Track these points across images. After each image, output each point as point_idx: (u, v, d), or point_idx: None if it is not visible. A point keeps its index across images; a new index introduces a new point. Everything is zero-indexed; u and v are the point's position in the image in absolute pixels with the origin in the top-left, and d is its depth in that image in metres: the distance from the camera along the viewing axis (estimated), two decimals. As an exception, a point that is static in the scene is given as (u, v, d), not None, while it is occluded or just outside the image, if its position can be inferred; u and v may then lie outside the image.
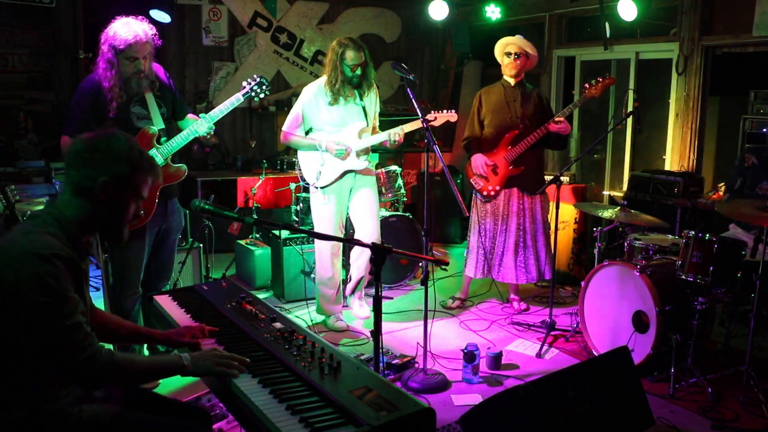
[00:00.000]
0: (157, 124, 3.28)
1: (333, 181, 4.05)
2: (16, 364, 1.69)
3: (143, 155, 1.91)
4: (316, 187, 4.07)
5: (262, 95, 3.50)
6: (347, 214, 4.26)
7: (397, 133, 3.97)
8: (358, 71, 3.93)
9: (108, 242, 1.95)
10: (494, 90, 4.51)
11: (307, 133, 4.10)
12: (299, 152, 4.16)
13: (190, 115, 3.56)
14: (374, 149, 7.00)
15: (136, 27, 3.10)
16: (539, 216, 4.49)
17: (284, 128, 4.12)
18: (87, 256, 1.91)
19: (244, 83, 3.49)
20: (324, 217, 4.12)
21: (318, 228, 4.13)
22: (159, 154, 3.23)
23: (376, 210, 4.25)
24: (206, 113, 3.38)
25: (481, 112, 4.51)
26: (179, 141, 3.32)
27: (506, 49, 4.41)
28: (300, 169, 4.19)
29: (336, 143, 3.95)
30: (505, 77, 4.49)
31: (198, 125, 3.33)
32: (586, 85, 4.25)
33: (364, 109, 4.05)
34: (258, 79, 3.47)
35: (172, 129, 3.43)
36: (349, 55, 3.90)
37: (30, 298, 1.62)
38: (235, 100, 3.41)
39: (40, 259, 1.64)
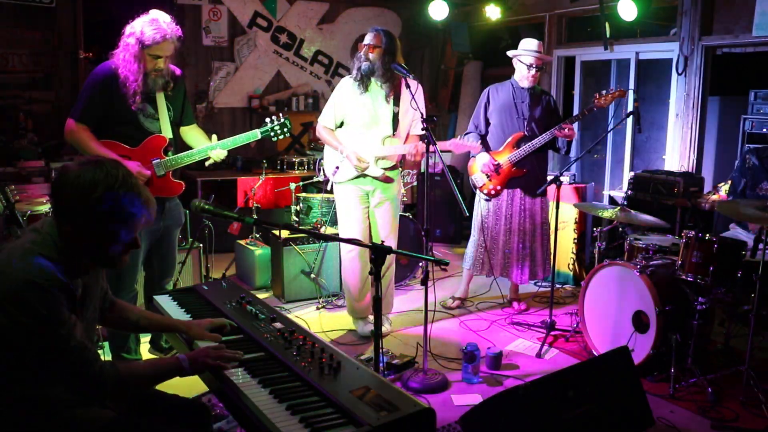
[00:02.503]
0: (166, 131, 3.28)
1: (348, 179, 3.96)
2: (18, 370, 1.71)
3: (119, 198, 1.73)
4: (333, 182, 4.01)
5: (281, 136, 3.48)
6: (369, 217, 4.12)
7: (416, 149, 3.77)
8: (370, 56, 3.77)
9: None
10: (503, 89, 4.50)
11: (341, 125, 3.99)
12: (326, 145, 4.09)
13: (196, 131, 3.52)
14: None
15: (165, 26, 3.10)
16: (538, 218, 4.50)
17: (319, 119, 4.02)
18: (88, 272, 1.88)
19: (267, 120, 3.47)
20: (348, 210, 4.01)
21: (343, 224, 4.05)
22: (163, 165, 3.23)
23: (394, 225, 4.09)
24: (218, 140, 3.38)
25: (488, 109, 4.51)
26: (187, 158, 3.31)
27: (529, 61, 4.33)
28: (323, 160, 4.13)
29: (358, 158, 3.84)
30: (516, 78, 4.47)
31: (216, 154, 3.33)
32: (596, 95, 4.22)
33: (396, 115, 3.89)
34: (282, 120, 3.45)
35: (176, 134, 3.43)
36: (366, 36, 3.83)
37: (27, 324, 1.63)
38: (252, 134, 3.39)
39: (37, 290, 1.64)
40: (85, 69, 6.09)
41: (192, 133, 3.52)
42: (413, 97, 3.48)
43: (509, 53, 4.50)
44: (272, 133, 3.45)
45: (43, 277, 1.67)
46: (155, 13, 3.15)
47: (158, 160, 3.22)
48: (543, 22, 6.70)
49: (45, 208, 4.32)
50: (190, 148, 3.45)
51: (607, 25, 5.72)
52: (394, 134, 3.92)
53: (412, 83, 3.71)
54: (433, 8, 6.26)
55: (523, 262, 4.51)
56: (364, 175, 3.95)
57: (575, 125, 4.25)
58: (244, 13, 6.83)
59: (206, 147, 3.36)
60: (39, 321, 1.64)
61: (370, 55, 3.79)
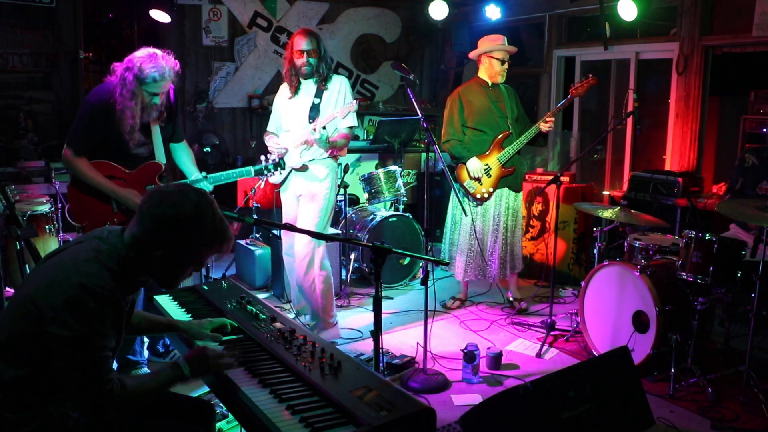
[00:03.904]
0: (160, 157, 3.31)
1: (282, 181, 3.96)
2: (34, 374, 1.72)
3: (216, 227, 1.83)
4: (275, 183, 4.01)
5: (273, 174, 3.57)
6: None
7: (316, 131, 3.66)
8: (306, 59, 3.73)
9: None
10: (473, 90, 4.47)
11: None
12: None
13: (186, 152, 3.54)
14: (371, 149, 7.01)
15: (164, 64, 3.10)
16: (520, 213, 4.57)
17: (268, 128, 4.08)
18: (139, 288, 1.93)
19: (263, 157, 3.54)
20: (286, 213, 4.02)
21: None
22: None
23: (312, 221, 3.87)
24: (211, 174, 3.41)
25: (463, 114, 4.48)
26: None
27: (502, 56, 4.37)
28: None
29: (277, 145, 3.83)
30: (483, 77, 4.48)
31: (204, 186, 3.35)
32: (571, 86, 4.27)
33: (317, 107, 3.81)
34: (277, 160, 3.49)
35: (167, 152, 3.46)
36: (297, 41, 3.76)
37: (71, 327, 1.65)
38: (245, 171, 3.44)
39: (92, 297, 1.67)
40: (86, 69, 6.10)
41: (181, 154, 3.55)
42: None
43: (473, 54, 4.51)
44: (266, 171, 3.50)
45: (101, 286, 1.70)
46: (153, 50, 3.15)
47: (152, 186, 3.26)
48: (543, 22, 6.70)
49: (45, 208, 4.32)
50: (178, 165, 3.51)
51: (607, 25, 5.72)
52: (312, 122, 3.79)
53: (339, 78, 3.87)
54: (433, 8, 6.26)
55: (504, 258, 4.56)
56: (292, 173, 3.90)
57: (559, 116, 4.28)
58: (244, 13, 6.82)
59: (197, 179, 3.38)
60: (86, 328, 1.66)
61: (311, 60, 3.75)
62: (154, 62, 3.07)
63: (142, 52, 3.11)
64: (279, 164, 3.51)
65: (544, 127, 4.29)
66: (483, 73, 4.47)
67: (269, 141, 3.92)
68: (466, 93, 4.48)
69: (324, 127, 3.69)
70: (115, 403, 1.74)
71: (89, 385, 1.70)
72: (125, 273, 1.79)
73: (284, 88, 3.97)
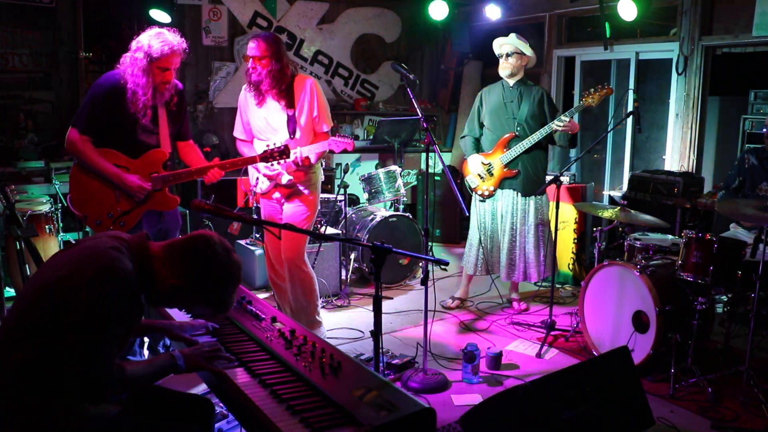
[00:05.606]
0: (165, 145, 3.30)
1: (265, 191, 3.81)
2: (44, 359, 1.73)
3: (226, 302, 1.97)
4: (255, 192, 3.86)
5: (281, 162, 3.47)
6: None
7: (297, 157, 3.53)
8: (258, 68, 3.51)
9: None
10: (494, 90, 4.51)
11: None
12: None
13: (193, 149, 3.53)
14: (371, 149, 7.01)
15: (171, 38, 3.14)
16: (532, 218, 4.44)
17: (234, 133, 3.84)
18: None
19: (267, 144, 3.47)
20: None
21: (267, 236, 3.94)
22: (161, 180, 3.26)
23: (297, 236, 3.74)
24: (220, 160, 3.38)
25: (482, 113, 4.52)
26: (186, 175, 3.33)
27: (500, 49, 4.40)
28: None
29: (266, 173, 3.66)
30: (503, 77, 4.49)
31: (213, 173, 3.33)
32: (585, 93, 4.22)
33: (293, 118, 3.62)
34: (282, 147, 3.40)
35: (174, 148, 3.46)
36: (249, 47, 3.52)
37: (90, 304, 1.70)
38: (251, 159, 3.42)
39: (116, 279, 1.75)
40: (85, 69, 6.09)
41: (189, 151, 3.54)
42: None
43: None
44: (271, 158, 3.44)
45: (124, 270, 1.78)
46: (160, 29, 3.18)
47: (157, 174, 3.25)
48: (543, 22, 6.71)
49: (45, 208, 4.32)
50: (185, 164, 3.48)
51: (607, 25, 5.73)
52: (293, 138, 3.63)
53: (305, 80, 3.61)
54: (433, 8, 6.26)
55: (516, 261, 4.52)
56: (277, 186, 3.75)
57: (576, 118, 4.20)
58: (244, 13, 6.82)
59: (206, 167, 3.37)
60: (101, 308, 1.71)
61: (258, 68, 3.52)
62: (161, 37, 3.11)
63: (147, 32, 3.15)
64: (284, 152, 3.36)
65: (557, 126, 4.17)
66: (500, 73, 4.49)
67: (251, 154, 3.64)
68: (488, 92, 4.54)
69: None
70: (113, 386, 1.80)
71: (92, 366, 1.73)
72: (140, 272, 1.84)
73: (246, 94, 3.69)
